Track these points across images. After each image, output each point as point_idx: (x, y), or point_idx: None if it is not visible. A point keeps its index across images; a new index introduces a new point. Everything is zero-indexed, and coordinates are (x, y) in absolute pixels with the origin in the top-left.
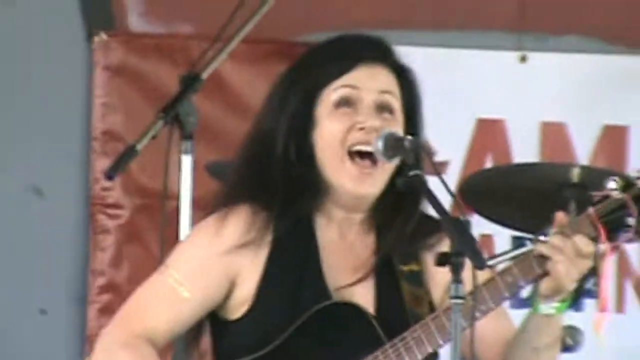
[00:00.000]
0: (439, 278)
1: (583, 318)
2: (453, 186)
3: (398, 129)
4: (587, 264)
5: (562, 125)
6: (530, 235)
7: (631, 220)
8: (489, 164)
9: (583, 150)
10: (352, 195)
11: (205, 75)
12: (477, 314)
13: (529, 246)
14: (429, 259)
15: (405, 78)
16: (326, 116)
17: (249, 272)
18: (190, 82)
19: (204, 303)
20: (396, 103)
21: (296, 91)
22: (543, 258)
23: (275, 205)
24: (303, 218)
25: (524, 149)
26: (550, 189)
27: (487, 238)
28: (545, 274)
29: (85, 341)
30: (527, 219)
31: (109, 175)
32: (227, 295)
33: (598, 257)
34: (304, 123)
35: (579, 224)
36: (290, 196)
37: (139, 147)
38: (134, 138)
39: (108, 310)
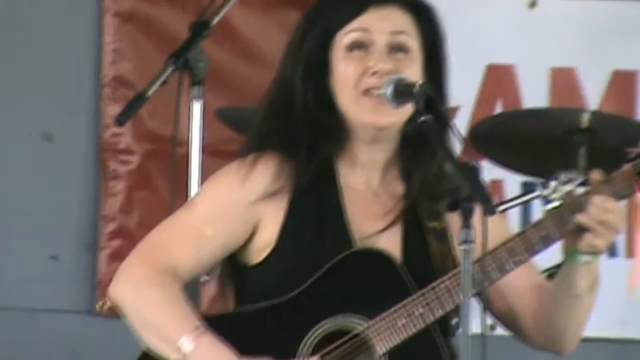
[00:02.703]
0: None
1: None
2: (463, 132)
3: (414, 68)
4: (622, 224)
5: (572, 70)
6: (540, 180)
7: None
8: (498, 109)
9: (592, 95)
10: (373, 126)
11: (215, 21)
12: (511, 266)
13: (538, 191)
14: (452, 218)
15: (423, 16)
16: (340, 60)
17: (272, 218)
18: (200, 28)
19: (227, 243)
20: (412, 42)
21: (311, 36)
22: (577, 211)
23: (300, 152)
24: (327, 165)
25: (534, 95)
26: (560, 134)
27: (497, 183)
28: (580, 227)
29: (96, 287)
30: (536, 164)
31: (120, 121)
32: (249, 239)
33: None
34: (320, 67)
35: (616, 180)
36: (314, 142)
37: (149, 93)
38: (144, 84)
39: (118, 256)
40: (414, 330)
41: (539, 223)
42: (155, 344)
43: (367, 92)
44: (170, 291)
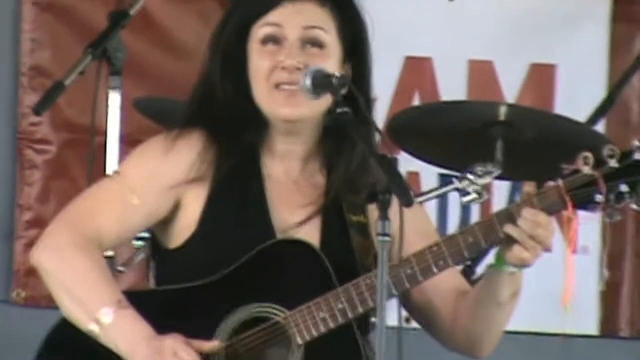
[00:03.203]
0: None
1: None
2: (381, 124)
3: (329, 63)
4: (551, 240)
5: (490, 63)
6: (457, 173)
7: (599, 197)
8: (416, 101)
9: (510, 88)
10: (284, 118)
11: (133, 11)
12: (436, 270)
13: (455, 183)
14: (373, 211)
15: (342, 10)
16: (254, 52)
17: (193, 200)
18: (118, 18)
19: (152, 212)
20: (327, 37)
21: (229, 28)
22: (507, 221)
23: (223, 138)
24: (250, 153)
25: (452, 87)
26: (477, 127)
27: (414, 175)
28: (508, 237)
29: (12, 276)
30: (453, 156)
31: (37, 110)
32: (170, 220)
33: (564, 231)
34: (238, 59)
35: (548, 195)
36: (236, 130)
37: (67, 82)
38: (62, 74)
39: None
40: (334, 325)
41: (469, 229)
42: (73, 313)
43: (277, 86)
44: (94, 260)
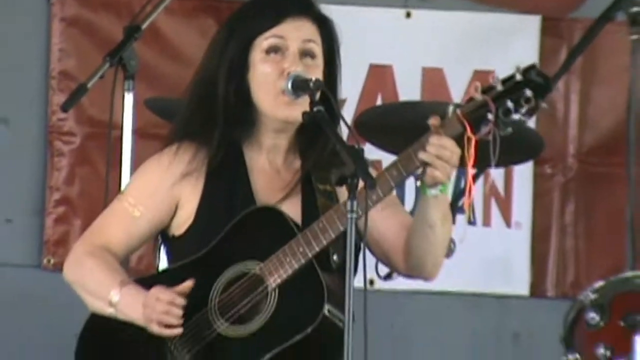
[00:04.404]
0: (345, 198)
1: (453, 230)
2: (349, 120)
3: (319, 71)
4: (456, 159)
5: (440, 70)
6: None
7: (490, 115)
8: (379, 102)
9: (457, 91)
10: (285, 120)
11: (144, 26)
12: (370, 203)
13: None
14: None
15: (325, 28)
16: (259, 61)
17: (190, 197)
18: (132, 32)
19: (154, 221)
20: (318, 50)
21: (234, 40)
22: (420, 150)
23: (213, 139)
24: (235, 150)
25: (408, 90)
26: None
27: (377, 163)
28: (423, 164)
29: (43, 246)
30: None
31: (64, 108)
32: (173, 216)
33: (466, 150)
34: (241, 67)
35: (450, 123)
36: (226, 129)
37: (89, 85)
38: (85, 78)
39: (62, 220)
40: (297, 265)
41: (392, 164)
42: (95, 304)
43: (284, 92)
44: (102, 259)
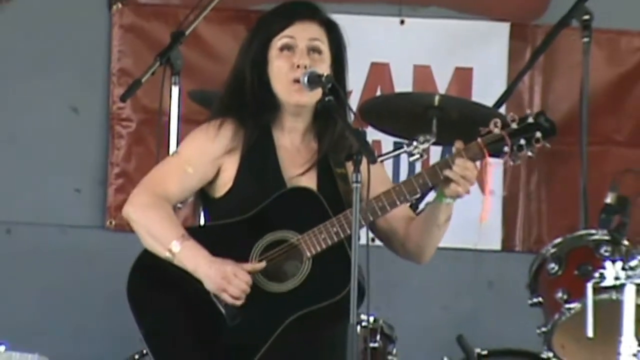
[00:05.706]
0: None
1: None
2: (354, 108)
3: (325, 65)
4: (474, 179)
5: (428, 67)
6: (406, 141)
7: (506, 149)
8: (378, 93)
9: (441, 84)
10: (297, 104)
11: (188, 31)
12: (398, 202)
13: (405, 148)
14: (350, 167)
15: (332, 31)
16: (275, 57)
17: (229, 166)
18: (178, 36)
19: (201, 179)
20: (323, 47)
21: (255, 42)
22: (445, 167)
23: (249, 122)
24: (266, 130)
25: (402, 83)
26: (420, 110)
27: (377, 143)
28: (446, 179)
29: (106, 210)
30: (403, 129)
31: (123, 99)
32: (215, 179)
33: (482, 172)
34: (262, 62)
35: (472, 148)
36: (257, 113)
37: (143, 80)
38: (139, 74)
39: (121, 190)
40: (331, 242)
41: (419, 174)
42: (154, 246)
43: (295, 81)
44: (164, 210)
